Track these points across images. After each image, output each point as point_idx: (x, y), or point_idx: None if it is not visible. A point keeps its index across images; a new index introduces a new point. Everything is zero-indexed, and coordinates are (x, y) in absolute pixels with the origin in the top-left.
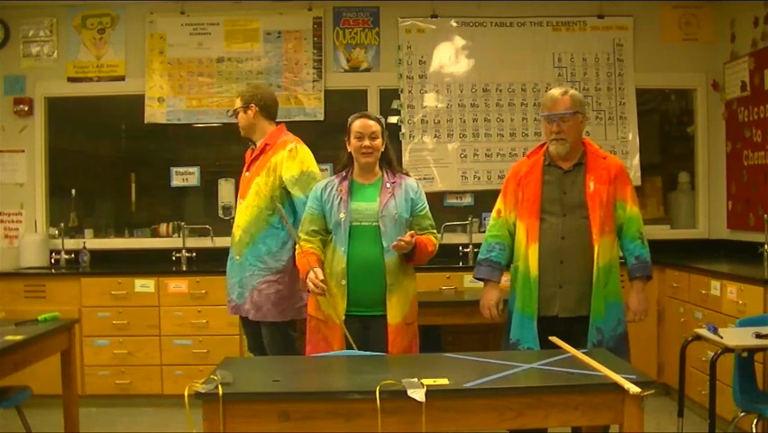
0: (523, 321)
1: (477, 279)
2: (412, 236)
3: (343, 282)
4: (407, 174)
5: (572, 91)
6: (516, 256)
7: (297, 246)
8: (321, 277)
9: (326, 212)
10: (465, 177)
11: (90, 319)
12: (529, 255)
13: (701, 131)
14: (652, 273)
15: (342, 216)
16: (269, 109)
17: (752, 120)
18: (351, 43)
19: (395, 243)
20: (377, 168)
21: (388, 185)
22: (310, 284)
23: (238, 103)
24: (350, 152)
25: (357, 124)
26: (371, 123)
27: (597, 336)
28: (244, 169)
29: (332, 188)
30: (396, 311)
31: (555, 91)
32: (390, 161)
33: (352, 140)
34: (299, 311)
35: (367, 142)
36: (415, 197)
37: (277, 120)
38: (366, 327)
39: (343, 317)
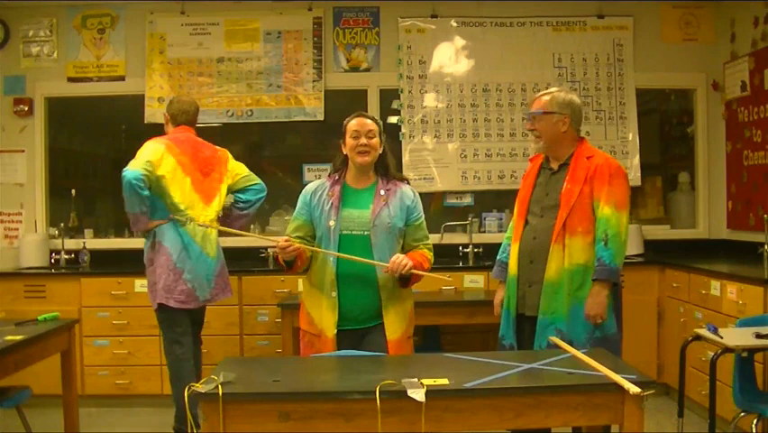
0: (507, 318)
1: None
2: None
3: (334, 294)
4: (406, 181)
5: (556, 93)
6: None
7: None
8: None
9: (315, 218)
10: (465, 177)
11: (90, 319)
12: (511, 255)
13: (701, 131)
14: (617, 277)
15: (331, 223)
16: (175, 118)
17: (752, 120)
18: (351, 43)
19: (385, 268)
20: (372, 172)
21: (382, 192)
22: (280, 251)
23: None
24: (344, 155)
25: (353, 123)
26: (368, 121)
27: (557, 336)
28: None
29: (322, 192)
30: (395, 327)
31: (541, 92)
32: (387, 167)
33: (348, 139)
34: None
35: (363, 141)
36: (411, 204)
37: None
38: (362, 337)
39: (335, 331)
